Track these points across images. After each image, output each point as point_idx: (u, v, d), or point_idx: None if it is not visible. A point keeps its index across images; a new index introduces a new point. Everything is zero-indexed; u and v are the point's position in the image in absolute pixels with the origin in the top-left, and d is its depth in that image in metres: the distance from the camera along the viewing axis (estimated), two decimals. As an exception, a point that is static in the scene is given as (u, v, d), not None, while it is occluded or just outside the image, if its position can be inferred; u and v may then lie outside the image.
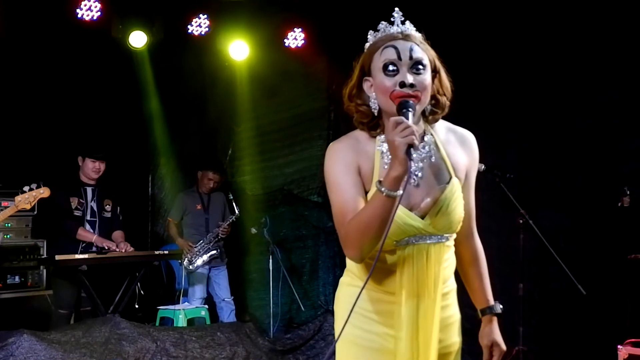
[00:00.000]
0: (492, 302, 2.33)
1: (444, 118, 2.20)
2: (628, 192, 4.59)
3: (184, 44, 6.91)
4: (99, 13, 6.09)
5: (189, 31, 6.62)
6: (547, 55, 5.40)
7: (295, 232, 7.24)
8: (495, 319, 2.31)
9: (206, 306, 6.36)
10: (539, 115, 5.47)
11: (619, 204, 4.63)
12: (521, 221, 4.80)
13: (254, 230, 6.83)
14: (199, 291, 6.61)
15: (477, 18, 5.67)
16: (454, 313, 2.24)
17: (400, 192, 1.88)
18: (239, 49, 6.86)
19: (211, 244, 6.54)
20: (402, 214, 2.00)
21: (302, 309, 6.74)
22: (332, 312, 2.30)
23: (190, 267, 6.49)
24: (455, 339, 2.24)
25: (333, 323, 2.31)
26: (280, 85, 7.21)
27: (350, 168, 2.06)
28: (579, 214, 5.22)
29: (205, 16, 6.61)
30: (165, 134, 7.43)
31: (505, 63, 5.55)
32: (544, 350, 5.21)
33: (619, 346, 4.09)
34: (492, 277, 2.22)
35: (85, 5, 6.03)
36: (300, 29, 6.85)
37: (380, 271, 2.08)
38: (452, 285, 2.23)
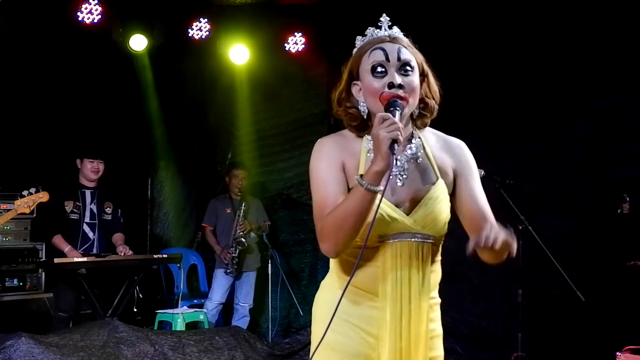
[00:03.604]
0: None
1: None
2: (627, 199, 4.59)
3: (184, 48, 6.91)
4: (99, 16, 6.10)
5: (190, 35, 6.62)
6: (547, 61, 5.40)
7: (294, 237, 7.24)
8: None
9: (204, 310, 6.36)
10: (539, 121, 5.48)
11: (619, 211, 4.63)
12: (521, 227, 4.80)
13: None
14: (216, 295, 6.65)
15: (477, 24, 5.68)
16: (437, 327, 2.19)
17: (381, 187, 1.88)
18: (239, 53, 6.87)
19: (234, 247, 6.58)
20: (386, 207, 1.99)
21: (301, 313, 6.74)
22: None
23: (235, 272, 6.58)
24: (438, 352, 2.18)
25: None
26: (280, 89, 7.22)
27: (334, 164, 2.07)
28: (579, 220, 5.22)
29: (206, 20, 6.62)
30: (164, 137, 7.44)
31: (505, 69, 5.55)
32: (543, 356, 5.21)
33: (617, 353, 4.08)
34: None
35: (85, 8, 6.04)
36: (300, 34, 6.86)
37: (363, 270, 2.05)
38: (437, 299, 2.19)
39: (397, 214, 2.02)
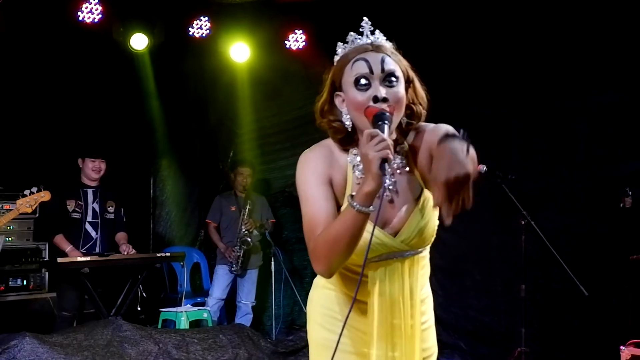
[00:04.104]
0: None
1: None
2: (630, 193, 4.59)
3: (185, 47, 6.91)
4: (100, 16, 6.10)
5: (190, 33, 6.63)
6: (548, 58, 5.40)
7: (297, 234, 7.24)
8: None
9: (208, 308, 6.36)
10: (540, 117, 5.48)
11: (621, 205, 4.63)
12: (523, 222, 4.80)
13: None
14: (217, 292, 6.67)
15: (479, 20, 5.67)
16: (429, 319, 2.20)
17: (372, 208, 1.80)
18: (240, 51, 6.87)
19: (239, 245, 6.60)
20: (375, 232, 1.94)
21: (304, 310, 6.70)
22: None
23: (241, 270, 6.59)
24: (430, 343, 2.20)
25: None
26: (282, 87, 7.22)
27: (322, 179, 2.01)
28: (581, 215, 5.22)
29: (206, 18, 6.62)
30: (166, 136, 7.45)
31: (507, 66, 5.55)
32: (546, 351, 5.21)
33: (621, 347, 4.09)
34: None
35: (86, 7, 6.04)
36: (301, 31, 6.85)
37: (353, 281, 2.05)
38: (428, 292, 2.20)
39: (385, 237, 1.99)
